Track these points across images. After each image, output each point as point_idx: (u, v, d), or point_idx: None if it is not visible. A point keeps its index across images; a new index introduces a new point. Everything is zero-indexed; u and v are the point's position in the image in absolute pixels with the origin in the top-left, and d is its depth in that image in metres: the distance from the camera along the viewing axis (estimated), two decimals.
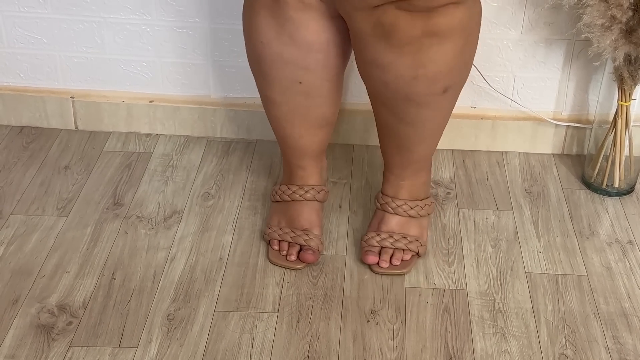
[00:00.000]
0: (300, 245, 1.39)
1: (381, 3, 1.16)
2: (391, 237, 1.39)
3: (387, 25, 1.18)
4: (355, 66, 1.38)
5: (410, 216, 1.41)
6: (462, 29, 1.21)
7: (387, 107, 1.31)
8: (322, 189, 1.43)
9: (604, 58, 1.42)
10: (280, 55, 1.28)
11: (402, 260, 1.38)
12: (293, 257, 1.38)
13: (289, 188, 1.44)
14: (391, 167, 1.41)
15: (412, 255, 1.39)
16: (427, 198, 1.44)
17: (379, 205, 1.42)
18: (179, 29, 1.64)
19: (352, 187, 1.57)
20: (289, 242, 1.40)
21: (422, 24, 1.17)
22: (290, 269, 1.37)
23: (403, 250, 1.38)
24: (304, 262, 1.37)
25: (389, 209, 1.41)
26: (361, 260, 1.38)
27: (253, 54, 1.33)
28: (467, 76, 1.30)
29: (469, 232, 1.46)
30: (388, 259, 1.37)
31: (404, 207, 1.41)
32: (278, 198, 1.44)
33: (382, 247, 1.39)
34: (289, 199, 1.43)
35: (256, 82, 1.37)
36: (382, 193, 1.43)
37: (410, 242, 1.38)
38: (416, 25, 1.17)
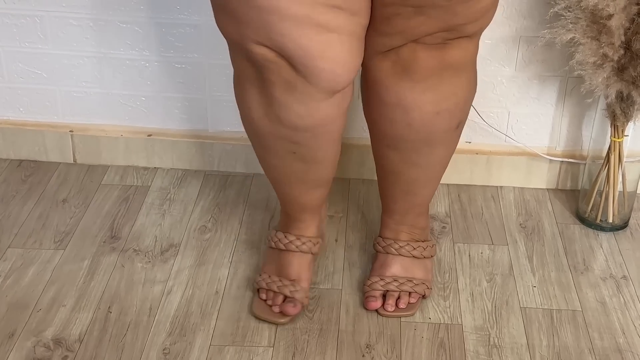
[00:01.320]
0: (285, 296, 1.37)
1: (404, 43, 1.19)
2: (396, 280, 1.38)
3: (407, 61, 1.21)
4: (356, 102, 1.40)
5: (414, 257, 1.41)
6: (473, 62, 1.28)
7: (400, 151, 1.33)
8: (317, 242, 1.42)
9: (596, 95, 1.45)
10: (271, 131, 1.27)
11: (408, 303, 1.38)
12: (276, 309, 1.35)
13: (285, 237, 1.42)
14: (391, 213, 1.42)
15: (419, 298, 1.39)
16: (427, 241, 1.45)
17: (380, 248, 1.42)
18: (177, 64, 1.66)
19: (348, 221, 1.59)
20: (274, 292, 1.38)
21: (440, 56, 1.21)
22: (272, 322, 1.34)
23: (410, 293, 1.38)
24: (285, 314, 1.35)
25: (392, 250, 1.41)
26: (365, 305, 1.37)
27: (246, 125, 1.33)
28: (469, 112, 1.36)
29: (464, 266, 1.47)
30: (394, 303, 1.37)
31: (407, 247, 1.41)
32: (273, 245, 1.43)
33: (387, 291, 1.38)
34: (284, 247, 1.41)
35: (252, 146, 1.37)
36: (381, 237, 1.43)
37: (416, 285, 1.38)
38: (434, 57, 1.21)
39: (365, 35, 1.19)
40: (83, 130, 1.75)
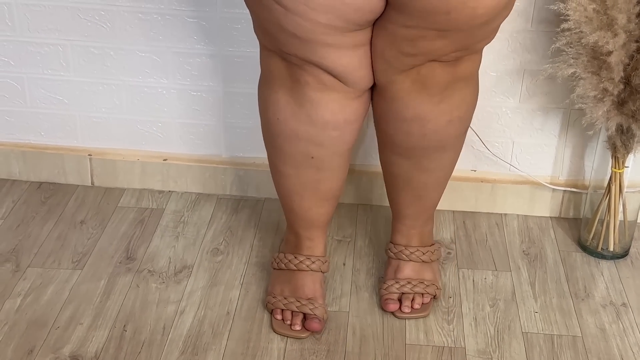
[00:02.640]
0: (304, 314, 1.41)
1: (425, 62, 1.26)
2: (409, 283, 1.45)
3: (425, 77, 1.29)
4: (363, 131, 1.44)
5: (423, 261, 1.48)
6: (477, 71, 1.37)
7: (412, 158, 1.39)
8: (326, 260, 1.47)
9: (597, 127, 1.49)
10: (296, 132, 1.33)
11: (422, 304, 1.44)
12: (298, 327, 1.39)
13: (295, 257, 1.45)
14: (402, 219, 1.48)
15: (431, 298, 1.45)
16: (433, 244, 1.52)
17: (392, 254, 1.48)
18: (193, 92, 1.71)
19: (356, 246, 1.62)
20: (293, 312, 1.41)
21: (452, 70, 1.29)
22: (295, 338, 1.38)
23: (422, 294, 1.45)
24: (309, 331, 1.39)
25: (404, 256, 1.48)
26: (382, 308, 1.44)
27: (268, 129, 1.38)
28: None
29: (468, 291, 1.51)
30: (410, 304, 1.44)
31: (417, 253, 1.48)
32: (283, 266, 1.46)
33: (402, 294, 1.45)
34: (295, 268, 1.44)
35: (268, 155, 1.42)
36: (393, 243, 1.49)
37: (427, 286, 1.45)
38: (448, 72, 1.29)
39: (389, 56, 1.26)
40: (101, 154, 1.79)
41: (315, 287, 1.44)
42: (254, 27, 1.30)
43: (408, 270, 1.47)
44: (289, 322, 1.41)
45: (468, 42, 1.24)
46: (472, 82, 1.36)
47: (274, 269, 1.49)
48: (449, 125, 1.35)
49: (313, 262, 1.44)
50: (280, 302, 1.43)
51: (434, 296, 1.45)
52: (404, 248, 1.48)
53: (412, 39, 1.22)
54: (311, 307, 1.40)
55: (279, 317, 1.42)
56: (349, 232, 1.66)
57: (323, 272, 1.46)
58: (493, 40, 1.56)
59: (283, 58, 1.28)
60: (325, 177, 1.38)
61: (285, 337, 1.38)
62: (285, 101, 1.32)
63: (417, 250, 1.48)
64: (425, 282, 1.45)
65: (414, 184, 1.43)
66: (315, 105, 1.30)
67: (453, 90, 1.32)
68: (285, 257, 1.46)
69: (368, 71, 1.28)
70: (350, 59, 1.24)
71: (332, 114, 1.31)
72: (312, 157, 1.35)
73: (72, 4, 1.64)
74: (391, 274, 1.48)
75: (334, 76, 1.26)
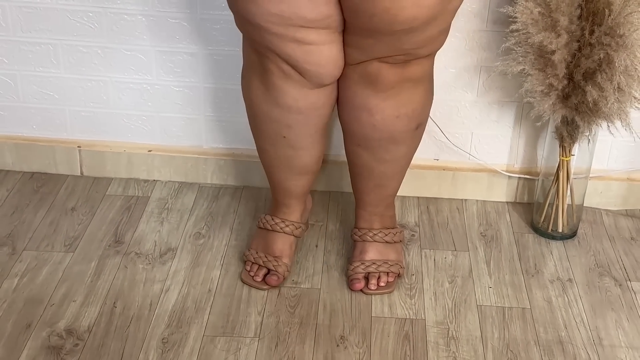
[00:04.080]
0: (268, 269, 1.54)
1: (368, 59, 1.34)
2: (374, 263, 1.54)
3: (372, 75, 1.37)
4: (338, 124, 1.53)
5: (386, 242, 1.57)
6: (429, 75, 1.44)
7: (369, 149, 1.47)
8: (300, 226, 1.57)
9: (544, 119, 1.60)
10: (267, 114, 1.43)
11: (387, 282, 1.54)
12: (258, 279, 1.53)
13: (272, 219, 1.57)
14: (365, 205, 1.57)
15: (395, 277, 1.55)
16: (395, 227, 1.60)
17: (357, 237, 1.58)
18: (175, 87, 1.77)
19: (327, 229, 1.72)
20: (259, 265, 1.54)
21: (400, 72, 1.37)
22: (256, 288, 1.53)
23: (387, 273, 1.54)
24: (268, 285, 1.52)
25: (368, 237, 1.56)
26: (349, 286, 1.53)
27: (248, 111, 1.49)
28: (429, 115, 1.51)
29: (430, 269, 1.61)
30: (376, 282, 1.53)
31: (380, 234, 1.57)
32: (261, 225, 1.59)
33: (368, 273, 1.54)
34: (270, 228, 1.56)
35: (252, 133, 1.52)
36: (357, 228, 1.59)
37: (391, 265, 1.55)
38: (396, 74, 1.37)
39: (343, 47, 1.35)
40: (90, 145, 1.85)
41: (284, 247, 1.55)
42: (234, 20, 1.38)
43: (372, 251, 1.56)
44: (252, 274, 1.54)
45: (402, 47, 1.31)
46: (421, 84, 1.42)
47: (258, 227, 1.61)
48: (396, 121, 1.42)
49: (287, 226, 1.56)
50: (252, 256, 1.56)
51: (398, 274, 1.55)
52: (367, 231, 1.57)
53: (350, 32, 1.31)
54: (275, 264, 1.53)
55: (248, 268, 1.56)
56: (321, 217, 1.76)
57: (295, 237, 1.57)
58: (452, 39, 1.67)
59: (254, 48, 1.37)
60: (298, 155, 1.47)
61: (262, 311, 1.48)
62: (257, 86, 1.42)
63: (380, 231, 1.57)
64: (389, 262, 1.55)
65: (374, 174, 1.51)
66: (279, 91, 1.39)
67: (400, 89, 1.39)
68: (264, 217, 1.59)
69: (315, 67, 1.34)
70: (294, 51, 1.31)
71: (294, 100, 1.39)
72: (284, 137, 1.44)
73: (62, 6, 1.69)
74: (357, 255, 1.56)
75: (292, 65, 1.34)
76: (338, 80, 1.41)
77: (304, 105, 1.40)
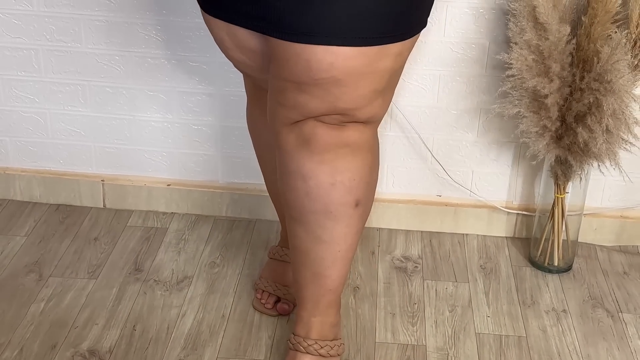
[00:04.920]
0: (279, 298, 1.58)
1: (303, 118, 1.24)
2: None
3: (307, 134, 1.24)
4: None
5: (320, 355, 1.40)
6: (370, 148, 1.30)
7: (304, 225, 1.32)
8: None
9: (539, 158, 1.66)
10: (267, 142, 1.45)
11: None
12: (269, 306, 1.58)
13: (282, 250, 1.62)
14: (305, 302, 1.40)
15: None
16: (337, 339, 1.43)
17: (291, 345, 1.42)
18: (194, 125, 1.84)
19: None
20: (270, 293, 1.59)
21: (337, 134, 1.25)
22: (267, 314, 1.57)
23: None
24: (279, 312, 1.57)
25: (301, 348, 1.40)
26: None
27: (254, 142, 1.54)
28: (373, 199, 1.36)
29: (431, 299, 1.67)
30: None
31: (315, 346, 1.39)
32: (272, 256, 1.63)
33: None
34: (280, 259, 1.61)
35: (259, 166, 1.56)
36: (293, 334, 1.42)
37: None
38: (332, 135, 1.24)
39: (271, 107, 1.27)
40: (112, 179, 1.90)
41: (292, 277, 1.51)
42: None
43: None
44: (263, 302, 1.58)
45: (337, 104, 1.20)
46: (360, 153, 1.28)
47: (269, 257, 1.64)
48: (332, 189, 1.27)
49: None
50: (262, 284, 1.61)
51: None
52: (302, 340, 1.40)
53: (280, 90, 1.22)
54: (284, 293, 1.57)
55: (259, 296, 1.60)
56: None
57: None
58: (454, 83, 1.73)
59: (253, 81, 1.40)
60: (270, 180, 1.50)
61: (273, 336, 1.54)
62: (257, 116, 1.46)
63: (316, 343, 1.39)
64: None
65: (310, 258, 1.35)
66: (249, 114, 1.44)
67: (336, 154, 1.26)
68: (275, 248, 1.63)
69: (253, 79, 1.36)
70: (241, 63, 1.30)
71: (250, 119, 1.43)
72: (264, 161, 1.48)
73: (90, 50, 1.78)
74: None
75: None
76: (275, 146, 1.33)
77: (251, 125, 1.46)
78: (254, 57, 1.25)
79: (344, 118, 1.23)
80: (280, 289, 1.59)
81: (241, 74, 1.71)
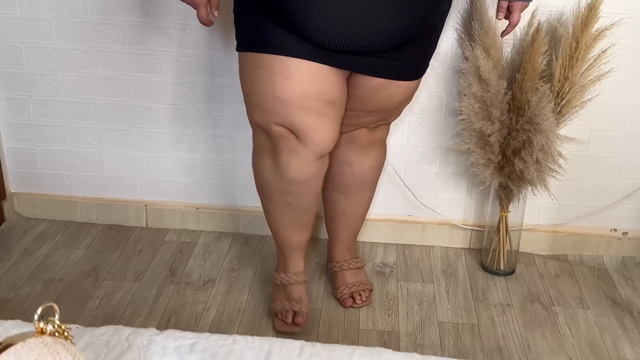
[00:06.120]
0: (294, 312, 1.52)
1: (357, 129, 1.48)
2: (354, 285, 1.62)
3: (354, 136, 1.49)
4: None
5: (357, 268, 1.65)
6: (385, 139, 1.57)
7: (347, 195, 1.55)
8: (306, 274, 1.57)
9: (486, 185, 1.69)
10: (276, 186, 1.42)
11: (367, 297, 1.62)
12: (289, 321, 1.51)
13: (286, 275, 1.55)
14: (339, 242, 1.64)
15: (370, 292, 1.64)
16: (359, 256, 1.68)
17: (337, 268, 1.64)
18: (217, 161, 1.86)
19: (328, 267, 1.74)
20: (286, 310, 1.52)
21: (372, 134, 1.50)
22: (291, 332, 1.49)
23: (364, 290, 1.63)
24: (296, 324, 1.50)
25: (345, 266, 1.64)
26: (342, 304, 1.60)
27: (259, 184, 1.48)
28: None
29: (404, 295, 1.69)
30: (360, 299, 1.61)
31: (352, 263, 1.65)
32: (279, 282, 1.56)
33: (352, 292, 1.61)
34: (287, 282, 1.55)
35: (261, 201, 1.52)
36: (334, 261, 1.63)
37: (366, 284, 1.64)
38: (369, 135, 1.49)
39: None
40: (153, 204, 1.92)
41: (301, 293, 1.55)
42: (247, 111, 1.36)
43: (350, 276, 1.64)
44: (283, 318, 1.52)
45: (385, 117, 1.46)
46: (383, 145, 1.56)
47: (275, 284, 1.58)
48: (369, 171, 1.54)
49: (298, 277, 1.55)
50: (278, 307, 1.54)
51: (371, 290, 1.64)
52: (343, 262, 1.63)
53: (353, 117, 1.42)
54: (298, 307, 1.52)
55: (278, 316, 1.54)
56: (324, 257, 1.81)
57: (303, 283, 1.56)
58: (420, 127, 1.77)
59: (268, 134, 1.34)
60: (301, 216, 1.49)
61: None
62: (268, 165, 1.40)
63: (352, 260, 1.65)
64: (363, 283, 1.64)
65: (347, 215, 1.59)
66: (286, 167, 1.37)
67: (372, 147, 1.52)
68: (279, 275, 1.57)
69: (321, 135, 1.31)
70: (311, 120, 1.29)
71: (297, 173, 1.37)
72: (290, 203, 1.44)
73: (137, 102, 1.80)
74: (340, 281, 1.63)
75: (298, 138, 1.31)
76: (326, 169, 1.43)
77: (304, 178, 1.38)
78: (321, 84, 1.28)
79: (379, 123, 1.47)
80: (294, 305, 1.53)
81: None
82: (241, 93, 1.40)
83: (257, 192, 1.52)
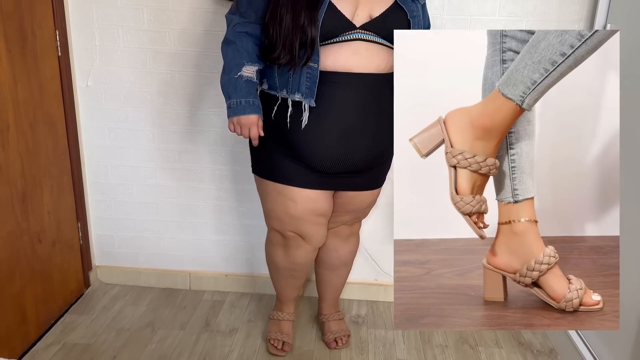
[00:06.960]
0: (283, 342, 1.69)
1: (339, 226, 1.60)
2: (337, 332, 1.73)
3: (339, 231, 1.61)
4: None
5: (339, 319, 1.76)
6: (358, 232, 1.68)
7: (333, 271, 1.66)
8: (293, 314, 1.73)
9: None
10: (284, 267, 1.59)
11: (346, 341, 1.72)
12: (279, 346, 1.66)
13: (281, 314, 1.73)
14: (326, 300, 1.76)
15: (348, 337, 1.74)
16: (339, 310, 1.77)
17: (325, 319, 1.75)
18: (240, 242, 1.96)
19: (308, 317, 1.88)
20: (277, 340, 1.68)
21: (350, 229, 1.63)
22: (278, 354, 1.65)
23: (344, 336, 1.73)
24: (284, 351, 1.66)
25: (331, 318, 1.75)
26: (328, 347, 1.70)
27: (270, 264, 1.63)
28: None
29: (372, 339, 1.78)
30: (341, 342, 1.72)
31: (335, 315, 1.76)
32: (274, 318, 1.74)
33: (336, 337, 1.72)
34: (280, 319, 1.73)
35: (269, 271, 1.67)
36: (322, 314, 1.76)
37: (345, 331, 1.74)
38: (347, 230, 1.62)
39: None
40: (195, 273, 2.00)
41: (289, 328, 1.71)
42: (266, 219, 1.53)
43: (334, 325, 1.75)
44: (275, 345, 1.67)
45: (359, 215, 1.59)
46: (357, 235, 1.67)
47: (271, 319, 1.73)
48: (349, 254, 1.66)
49: (289, 315, 1.71)
50: (272, 336, 1.69)
51: (349, 335, 1.74)
52: (329, 315, 1.75)
53: (336, 217, 1.56)
54: (286, 339, 1.68)
55: (272, 342, 1.68)
56: (315, 311, 1.91)
57: (292, 321, 1.72)
58: (381, 220, 1.89)
59: (282, 235, 1.52)
60: (297, 282, 1.66)
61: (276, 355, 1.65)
62: (280, 254, 1.58)
63: (336, 312, 1.76)
64: (343, 330, 1.75)
65: (332, 284, 1.72)
66: (294, 256, 1.56)
67: (351, 237, 1.64)
68: (276, 313, 1.72)
69: (318, 237, 1.53)
70: (313, 229, 1.50)
71: (301, 259, 1.56)
72: (292, 276, 1.62)
73: (185, 202, 1.94)
74: (327, 329, 1.75)
75: (304, 239, 1.51)
76: (319, 252, 1.63)
77: (305, 261, 1.57)
78: (317, 204, 1.46)
79: (354, 220, 1.60)
80: (283, 337, 1.69)
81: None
82: (258, 198, 1.62)
83: (267, 266, 1.66)
